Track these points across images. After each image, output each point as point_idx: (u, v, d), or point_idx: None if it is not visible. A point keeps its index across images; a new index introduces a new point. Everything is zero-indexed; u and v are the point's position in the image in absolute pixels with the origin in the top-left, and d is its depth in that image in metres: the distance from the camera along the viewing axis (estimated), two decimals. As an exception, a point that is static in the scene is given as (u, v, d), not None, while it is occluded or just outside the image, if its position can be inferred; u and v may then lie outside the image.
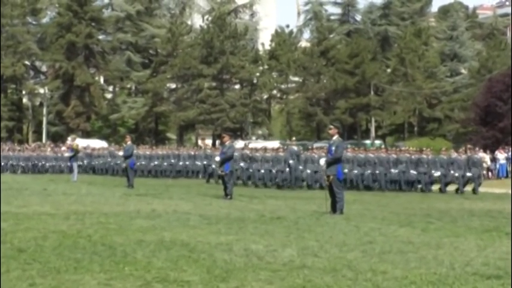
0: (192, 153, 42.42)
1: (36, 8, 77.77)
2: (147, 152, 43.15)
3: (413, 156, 30.72)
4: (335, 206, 16.85)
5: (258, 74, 75.93)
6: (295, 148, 31.78)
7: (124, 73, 77.46)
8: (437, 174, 30.13)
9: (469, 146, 37.80)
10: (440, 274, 8.54)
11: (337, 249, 10.54)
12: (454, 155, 31.82)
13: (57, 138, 70.39)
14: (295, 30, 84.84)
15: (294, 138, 37.07)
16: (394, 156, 30.61)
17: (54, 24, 75.55)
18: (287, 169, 30.27)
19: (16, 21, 75.02)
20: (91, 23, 74.65)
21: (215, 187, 29.00)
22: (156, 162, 41.87)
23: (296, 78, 76.92)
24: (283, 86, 77.48)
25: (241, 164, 32.78)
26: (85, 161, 46.97)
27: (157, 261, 9.14)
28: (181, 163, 41.61)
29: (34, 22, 79.68)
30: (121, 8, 79.26)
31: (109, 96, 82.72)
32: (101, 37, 78.35)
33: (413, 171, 30.03)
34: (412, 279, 8.16)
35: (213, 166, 33.83)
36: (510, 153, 44.70)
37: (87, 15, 73.54)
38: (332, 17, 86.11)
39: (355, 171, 30.40)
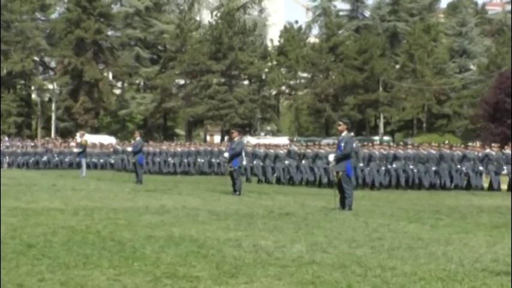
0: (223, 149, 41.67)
1: (45, 4, 77.96)
2: (178, 149, 41.94)
3: (480, 154, 29.49)
4: (344, 202, 16.86)
5: (266, 70, 76.01)
6: None
7: (133, 69, 77.62)
8: (505, 172, 28.86)
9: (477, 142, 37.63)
10: (450, 270, 8.52)
11: (346, 245, 10.52)
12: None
13: (65, 134, 70.55)
14: (304, 26, 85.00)
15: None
16: (460, 153, 29.56)
17: (63, 20, 75.72)
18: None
19: (25, 16, 75.21)
20: (100, 18, 74.81)
21: (224, 182, 28.99)
22: (186, 160, 40.80)
23: (305, 74, 76.97)
24: (291, 82, 77.54)
25: (287, 162, 30.83)
26: (111, 158, 46.51)
27: (167, 256, 9.14)
28: (213, 160, 40.82)
29: (43, 18, 79.88)
30: (130, 3, 79.40)
31: (118, 92, 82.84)
32: (109, 33, 78.55)
33: (482, 168, 28.87)
34: (421, 276, 8.14)
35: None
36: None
37: (96, 10, 73.68)
38: (341, 13, 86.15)
39: (415, 170, 28.59)
